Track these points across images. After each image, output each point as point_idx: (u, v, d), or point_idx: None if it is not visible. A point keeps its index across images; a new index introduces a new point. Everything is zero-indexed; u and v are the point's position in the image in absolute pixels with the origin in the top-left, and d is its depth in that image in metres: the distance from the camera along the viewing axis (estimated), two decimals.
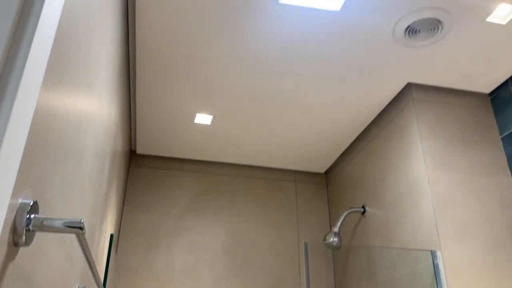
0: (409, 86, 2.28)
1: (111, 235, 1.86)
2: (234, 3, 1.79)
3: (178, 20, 1.88)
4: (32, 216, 0.64)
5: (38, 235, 0.77)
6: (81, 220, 0.64)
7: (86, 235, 1.32)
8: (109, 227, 2.01)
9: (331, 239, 2.48)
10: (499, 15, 1.84)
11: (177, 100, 2.44)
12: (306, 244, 2.89)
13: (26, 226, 0.62)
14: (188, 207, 2.94)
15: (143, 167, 3.00)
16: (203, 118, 2.59)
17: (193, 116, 2.57)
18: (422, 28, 1.90)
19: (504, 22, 1.86)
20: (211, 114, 2.55)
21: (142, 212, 2.85)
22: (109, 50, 1.48)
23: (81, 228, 0.64)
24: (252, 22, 1.89)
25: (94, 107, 1.29)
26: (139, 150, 2.99)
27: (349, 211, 2.59)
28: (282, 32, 1.94)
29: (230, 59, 2.11)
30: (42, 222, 0.64)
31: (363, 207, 2.60)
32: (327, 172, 3.28)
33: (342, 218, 2.56)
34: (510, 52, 2.05)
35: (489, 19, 1.85)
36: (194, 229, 2.88)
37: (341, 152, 3.02)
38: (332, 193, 3.14)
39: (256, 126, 2.68)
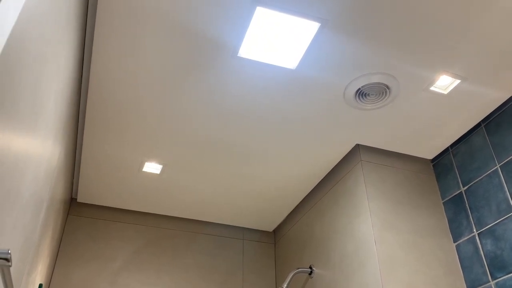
0: (357, 148, 2.35)
1: (40, 285, 1.70)
2: (194, 54, 1.81)
3: (134, 67, 1.87)
4: None
5: None
6: (8, 250, 0.57)
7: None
8: (39, 278, 1.83)
9: None
10: (441, 85, 1.98)
11: (125, 147, 2.37)
12: None
13: None
14: (128, 262, 2.76)
15: (83, 217, 2.83)
16: (152, 167, 2.51)
17: (141, 165, 2.49)
18: (371, 92, 1.99)
19: (445, 92, 2.00)
20: (161, 164, 2.49)
21: (77, 265, 2.65)
22: (60, 88, 1.43)
23: (8, 260, 0.57)
24: (210, 73, 1.91)
25: (36, 144, 1.21)
26: (80, 199, 2.84)
27: (296, 271, 2.54)
28: (239, 85, 1.97)
29: (186, 109, 2.10)
30: None
31: (310, 267, 2.55)
32: (275, 230, 3.24)
33: (289, 278, 2.49)
34: (451, 120, 2.18)
35: (433, 88, 1.98)
36: (132, 286, 2.69)
37: (290, 211, 3.01)
38: (280, 253, 3.08)
39: (206, 179, 2.64)
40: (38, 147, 1.25)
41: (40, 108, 1.14)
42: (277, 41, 1.77)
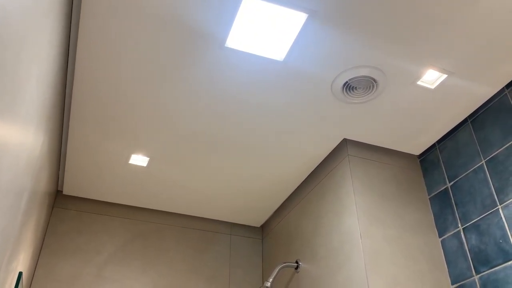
0: (344, 142, 2.35)
1: (20, 273, 1.67)
2: (181, 45, 1.80)
3: (120, 58, 1.85)
4: None
5: None
6: None
7: None
8: (20, 267, 1.80)
9: None
10: (428, 79, 1.98)
11: (112, 139, 2.34)
12: None
13: None
14: (113, 256, 2.74)
15: (68, 209, 2.80)
16: (138, 159, 2.49)
17: (128, 157, 2.47)
18: (358, 86, 1.99)
19: (432, 87, 2.00)
20: (148, 156, 2.47)
21: (61, 257, 2.62)
22: (42, 73, 1.41)
23: None
24: (197, 63, 1.90)
25: (15, 129, 1.19)
26: (66, 191, 2.81)
27: (282, 265, 2.53)
28: (226, 76, 1.96)
29: (172, 100, 2.09)
30: None
31: (296, 262, 2.55)
32: (263, 226, 3.23)
33: (275, 272, 2.49)
34: (437, 116, 2.19)
35: (419, 82, 1.98)
36: (118, 280, 2.67)
37: (277, 206, 3.00)
38: (267, 248, 3.08)
39: (194, 173, 2.62)
40: (18, 133, 1.23)
41: (19, 90, 1.12)
42: (264, 32, 1.76)
